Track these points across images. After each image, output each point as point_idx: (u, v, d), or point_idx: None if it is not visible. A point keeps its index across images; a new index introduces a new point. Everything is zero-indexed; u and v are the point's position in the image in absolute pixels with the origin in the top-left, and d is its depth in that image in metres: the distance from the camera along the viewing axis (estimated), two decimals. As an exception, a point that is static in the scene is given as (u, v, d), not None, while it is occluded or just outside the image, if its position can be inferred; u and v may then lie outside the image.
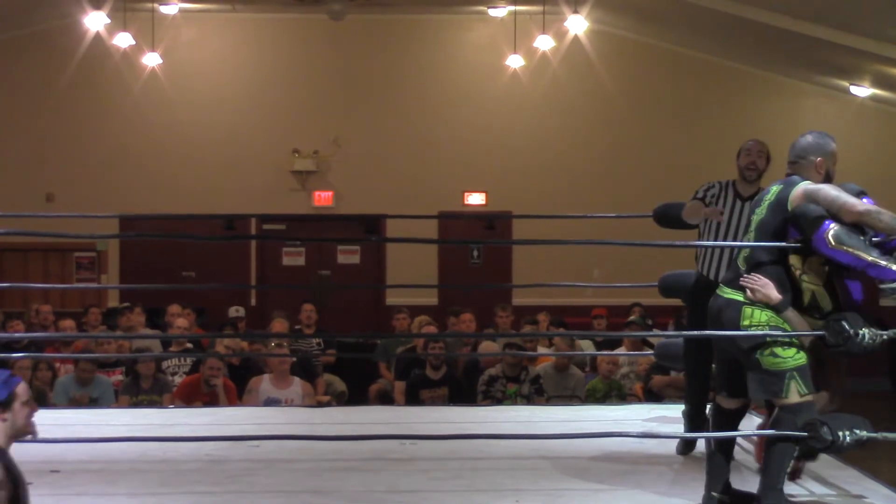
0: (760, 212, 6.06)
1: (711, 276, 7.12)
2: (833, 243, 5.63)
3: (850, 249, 5.61)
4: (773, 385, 5.77)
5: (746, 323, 5.85)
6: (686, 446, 7.46)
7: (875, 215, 5.74)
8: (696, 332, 6.25)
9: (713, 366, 6.52)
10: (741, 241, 6.24)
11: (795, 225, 5.85)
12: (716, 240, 7.18)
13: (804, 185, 5.95)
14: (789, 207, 5.93)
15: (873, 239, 5.73)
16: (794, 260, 5.85)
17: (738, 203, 7.19)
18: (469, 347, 12.41)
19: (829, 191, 5.89)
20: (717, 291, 6.11)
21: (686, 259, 7.59)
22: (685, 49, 18.57)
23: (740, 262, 6.04)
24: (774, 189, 6.07)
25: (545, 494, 6.41)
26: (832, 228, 5.64)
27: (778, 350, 5.78)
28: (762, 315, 5.84)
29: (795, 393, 5.72)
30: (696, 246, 6.49)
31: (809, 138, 6.14)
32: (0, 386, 4.65)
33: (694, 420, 7.43)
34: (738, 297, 5.92)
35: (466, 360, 11.70)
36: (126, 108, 18.40)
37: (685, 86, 18.72)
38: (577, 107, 18.71)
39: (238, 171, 18.40)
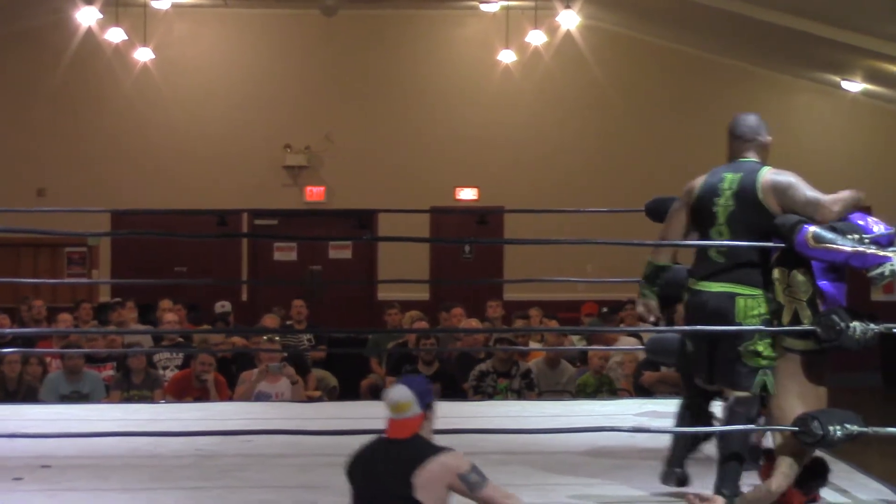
0: (725, 203, 6.08)
1: None
2: (813, 243, 5.69)
3: (831, 245, 5.67)
4: (745, 379, 5.99)
5: (742, 316, 5.96)
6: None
7: (843, 205, 5.98)
8: (689, 328, 6.23)
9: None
10: (713, 234, 6.18)
11: (777, 234, 5.90)
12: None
13: (770, 175, 6.05)
14: (760, 196, 6.00)
15: (864, 237, 5.76)
16: (777, 273, 5.90)
17: None
18: (463, 342, 12.39)
19: (802, 189, 6.00)
20: (697, 287, 6.14)
21: (679, 255, 7.55)
22: (677, 45, 18.57)
23: (716, 256, 6.09)
24: (729, 177, 6.11)
25: (537, 489, 6.41)
26: (810, 230, 5.71)
27: (761, 348, 5.95)
28: (755, 308, 5.96)
29: (758, 388, 5.95)
30: (688, 245, 6.47)
31: (754, 118, 6.29)
32: (428, 390, 5.13)
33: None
34: (729, 288, 6.00)
35: (458, 355, 11.69)
36: (118, 104, 18.37)
37: (677, 81, 18.73)
38: (569, 102, 18.71)
39: (230, 167, 18.38)
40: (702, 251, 6.20)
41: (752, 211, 6.03)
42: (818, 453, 6.00)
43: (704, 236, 6.20)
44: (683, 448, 6.34)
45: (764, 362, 5.98)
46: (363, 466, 5.07)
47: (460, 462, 4.93)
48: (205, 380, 10.63)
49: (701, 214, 6.21)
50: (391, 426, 5.04)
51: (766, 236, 6.04)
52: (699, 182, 6.24)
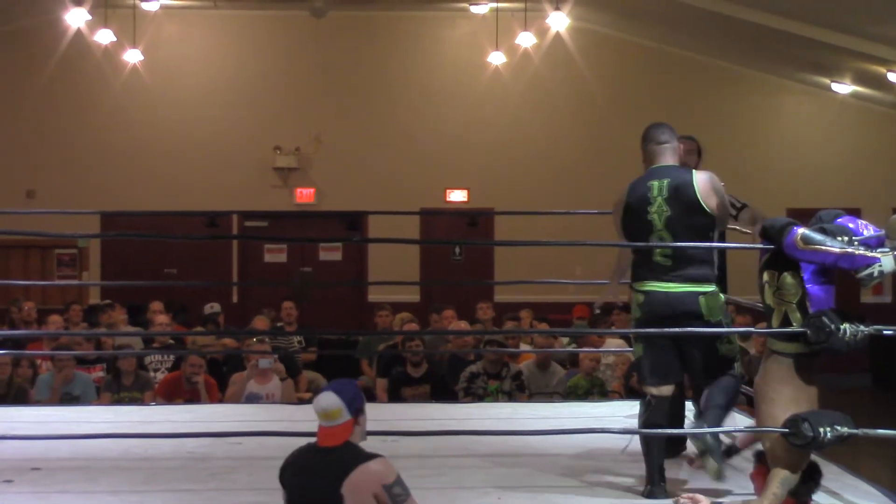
0: (659, 209, 6.34)
1: None
2: (802, 244, 5.70)
3: (820, 246, 5.69)
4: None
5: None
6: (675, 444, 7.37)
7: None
8: (679, 330, 6.27)
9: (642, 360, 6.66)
10: (653, 240, 6.40)
11: (766, 237, 5.94)
12: None
13: (705, 177, 6.38)
14: (700, 198, 6.29)
15: (854, 239, 5.78)
16: (767, 276, 5.90)
17: None
18: (452, 344, 12.37)
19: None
20: (651, 287, 6.36)
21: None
22: (667, 46, 18.60)
23: (661, 260, 6.33)
24: (656, 184, 6.39)
25: (527, 491, 6.42)
26: (799, 232, 5.74)
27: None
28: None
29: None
30: (672, 247, 6.54)
31: (666, 125, 6.63)
32: (357, 395, 5.05)
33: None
34: (689, 288, 6.30)
35: (448, 356, 11.68)
36: (107, 105, 18.35)
37: (667, 82, 18.75)
38: (558, 103, 18.73)
39: (220, 168, 18.37)
40: (644, 256, 6.41)
41: (691, 212, 6.30)
42: (811, 458, 5.99)
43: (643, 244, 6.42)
44: (661, 459, 6.40)
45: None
46: (294, 473, 5.06)
47: (387, 471, 4.91)
48: (195, 382, 10.62)
49: (635, 225, 6.44)
50: (322, 434, 5.00)
51: (705, 235, 6.35)
52: (622, 198, 6.53)
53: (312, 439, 5.08)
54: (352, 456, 4.93)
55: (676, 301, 6.28)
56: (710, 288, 6.33)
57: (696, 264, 6.30)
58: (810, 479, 5.85)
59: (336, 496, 4.81)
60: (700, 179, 6.32)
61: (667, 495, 6.20)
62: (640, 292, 6.41)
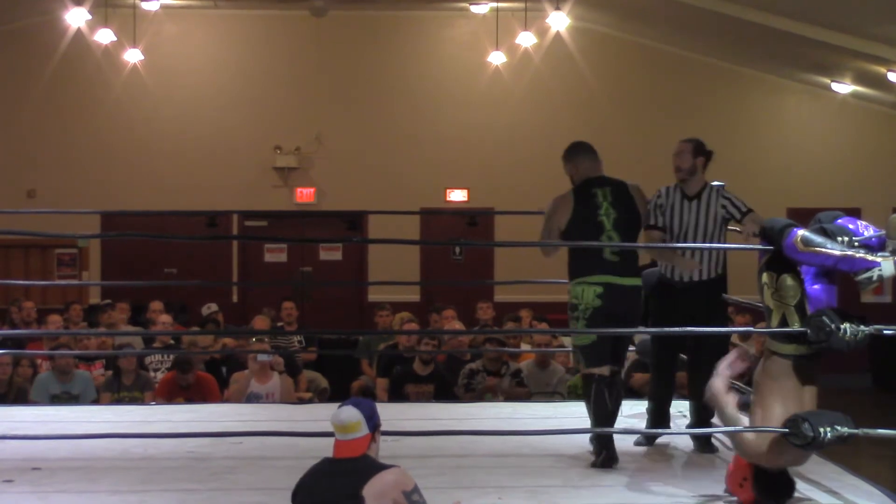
0: (606, 212, 7.24)
1: (676, 277, 7.47)
2: (802, 246, 5.72)
3: (820, 249, 5.70)
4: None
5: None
6: (648, 439, 7.65)
7: None
8: (676, 330, 6.32)
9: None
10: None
11: (766, 238, 5.96)
12: (673, 241, 7.47)
13: (634, 185, 7.49)
14: (637, 203, 7.36)
15: (854, 240, 5.79)
16: (766, 277, 5.91)
17: (686, 203, 7.52)
18: (448, 345, 12.37)
19: None
20: (609, 280, 7.05)
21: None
22: (667, 46, 18.59)
23: (610, 256, 7.09)
24: (600, 191, 7.35)
25: (527, 491, 6.42)
26: (799, 233, 5.75)
27: None
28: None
29: None
30: (673, 248, 6.63)
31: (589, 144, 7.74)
32: (376, 412, 5.15)
33: (658, 417, 7.59)
34: (636, 282, 7.21)
35: (447, 357, 11.68)
36: (108, 105, 18.34)
37: (667, 82, 18.74)
38: (558, 103, 18.71)
39: (220, 168, 18.36)
40: (593, 254, 7.10)
41: (631, 215, 7.24)
42: (788, 473, 5.97)
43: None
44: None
45: None
46: (309, 486, 5.09)
47: (406, 480, 5.00)
48: (194, 381, 10.65)
49: (586, 226, 7.21)
50: (339, 447, 5.06)
51: (637, 234, 7.30)
52: (566, 206, 7.50)
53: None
54: (370, 465, 5.01)
55: (631, 293, 7.09)
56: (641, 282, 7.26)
57: (636, 261, 7.23)
58: (779, 487, 5.83)
59: (357, 497, 4.86)
60: (632, 187, 7.32)
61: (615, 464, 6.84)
62: (596, 284, 7.02)
